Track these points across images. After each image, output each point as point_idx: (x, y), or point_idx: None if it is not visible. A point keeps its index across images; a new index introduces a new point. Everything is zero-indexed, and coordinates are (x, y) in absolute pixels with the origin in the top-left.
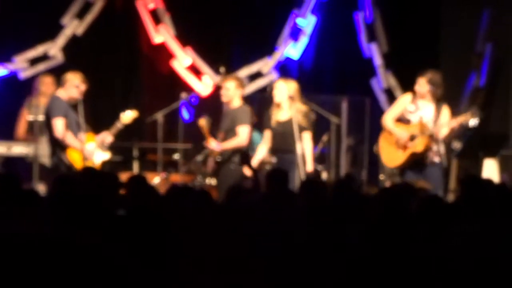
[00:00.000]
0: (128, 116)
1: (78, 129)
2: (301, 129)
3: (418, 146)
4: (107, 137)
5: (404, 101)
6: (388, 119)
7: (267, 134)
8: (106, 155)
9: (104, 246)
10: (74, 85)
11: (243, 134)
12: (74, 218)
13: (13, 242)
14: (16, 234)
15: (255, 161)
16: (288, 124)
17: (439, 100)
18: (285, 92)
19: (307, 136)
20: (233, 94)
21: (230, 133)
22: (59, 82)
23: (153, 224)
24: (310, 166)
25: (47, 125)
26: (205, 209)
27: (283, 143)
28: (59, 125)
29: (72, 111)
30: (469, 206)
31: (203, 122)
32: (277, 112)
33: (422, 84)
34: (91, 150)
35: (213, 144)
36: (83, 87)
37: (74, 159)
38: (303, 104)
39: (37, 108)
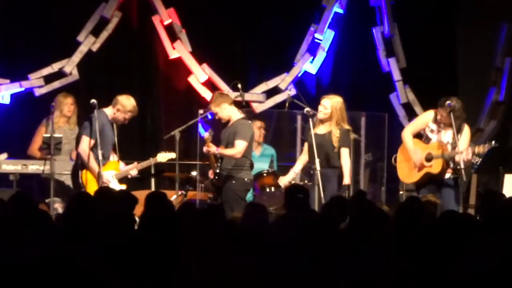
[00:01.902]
0: (165, 156)
1: (110, 149)
2: (339, 145)
3: (434, 168)
4: (133, 170)
5: (426, 118)
6: (408, 133)
7: (305, 147)
8: (122, 187)
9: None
10: (122, 110)
11: (239, 146)
12: (88, 236)
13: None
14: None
15: (292, 171)
16: (322, 138)
17: (460, 126)
18: (329, 109)
19: (345, 152)
20: (226, 111)
21: (231, 146)
22: (78, 101)
23: (167, 240)
24: (347, 180)
25: (78, 138)
26: (220, 227)
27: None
28: (84, 142)
29: (111, 131)
30: (488, 220)
31: (207, 135)
32: (318, 126)
33: (444, 114)
34: (108, 178)
35: (213, 148)
36: (129, 115)
37: (90, 181)
38: (346, 123)
39: (55, 127)
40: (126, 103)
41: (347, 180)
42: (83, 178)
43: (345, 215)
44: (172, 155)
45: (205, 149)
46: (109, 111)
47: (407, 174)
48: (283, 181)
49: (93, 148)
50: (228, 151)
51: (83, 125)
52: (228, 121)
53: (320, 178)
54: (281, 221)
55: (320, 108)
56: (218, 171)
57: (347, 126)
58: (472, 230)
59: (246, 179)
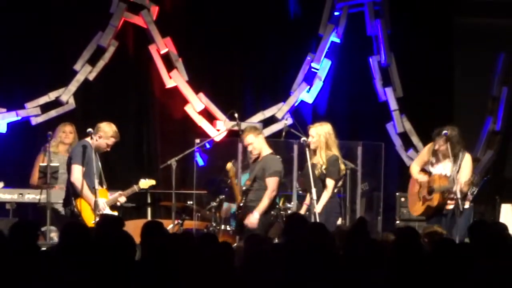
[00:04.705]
0: (146, 183)
1: (99, 179)
2: (325, 175)
3: (433, 201)
4: (122, 198)
5: (427, 151)
6: (414, 166)
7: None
8: (114, 214)
9: None
10: (104, 137)
11: (272, 185)
12: (86, 265)
13: None
14: None
15: (305, 205)
16: (313, 168)
17: (458, 153)
18: (315, 137)
19: (330, 182)
20: (259, 143)
21: (259, 180)
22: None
23: (167, 270)
24: (318, 209)
25: (68, 169)
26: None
27: (305, 185)
28: (76, 171)
29: (97, 160)
30: (480, 249)
31: (229, 166)
32: (312, 156)
33: (441, 143)
34: (102, 205)
35: (253, 218)
36: (112, 141)
37: (85, 208)
38: (336, 149)
39: (54, 155)
40: (107, 129)
41: (318, 208)
42: (77, 206)
43: (332, 242)
44: (152, 182)
45: (249, 223)
46: (90, 140)
47: (415, 208)
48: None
49: (86, 177)
50: (265, 200)
51: (70, 153)
52: (258, 155)
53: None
54: (280, 249)
55: (309, 138)
56: (242, 204)
57: (335, 153)
58: (464, 258)
59: (272, 212)
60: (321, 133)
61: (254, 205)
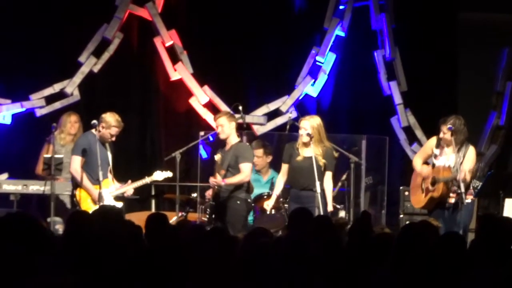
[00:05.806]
0: (161, 175)
1: (106, 168)
2: (323, 167)
3: (435, 192)
4: (130, 189)
5: (430, 143)
6: (417, 159)
7: (285, 168)
8: (119, 205)
9: None
10: (106, 127)
11: (246, 170)
12: (89, 258)
13: None
14: None
15: (274, 194)
16: (309, 161)
17: (462, 144)
18: (309, 129)
19: (329, 175)
20: (229, 128)
21: (232, 169)
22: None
23: (171, 264)
24: (330, 206)
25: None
26: (224, 250)
27: (303, 180)
28: (74, 162)
29: (103, 149)
30: (488, 245)
31: (218, 157)
32: (302, 149)
33: (445, 131)
34: (103, 196)
35: (218, 179)
36: (114, 130)
37: (83, 199)
38: (327, 141)
39: (62, 147)
40: (109, 119)
41: (330, 207)
42: (77, 197)
43: (334, 236)
44: (169, 174)
45: (212, 180)
46: (95, 131)
47: (417, 200)
48: (268, 204)
49: (89, 168)
50: (237, 178)
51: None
52: (224, 141)
53: (299, 200)
54: (282, 243)
55: (301, 131)
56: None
57: (329, 145)
58: (469, 253)
59: (248, 200)
60: (315, 125)
61: (228, 195)
